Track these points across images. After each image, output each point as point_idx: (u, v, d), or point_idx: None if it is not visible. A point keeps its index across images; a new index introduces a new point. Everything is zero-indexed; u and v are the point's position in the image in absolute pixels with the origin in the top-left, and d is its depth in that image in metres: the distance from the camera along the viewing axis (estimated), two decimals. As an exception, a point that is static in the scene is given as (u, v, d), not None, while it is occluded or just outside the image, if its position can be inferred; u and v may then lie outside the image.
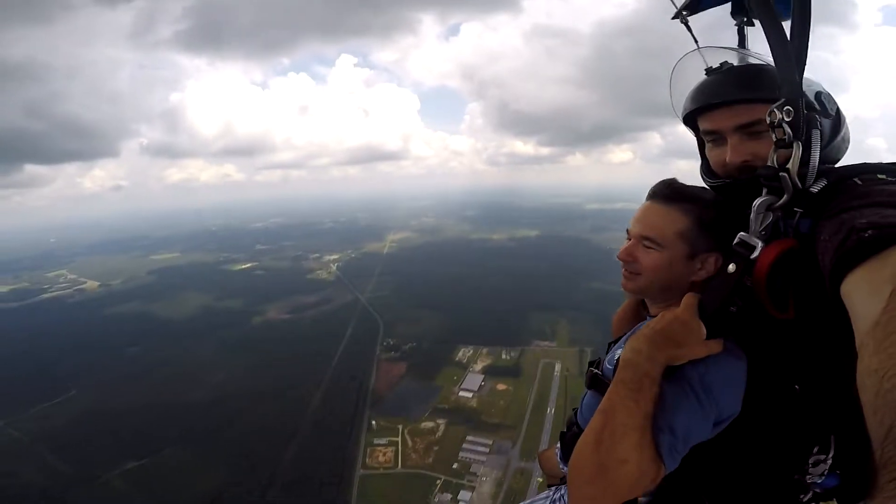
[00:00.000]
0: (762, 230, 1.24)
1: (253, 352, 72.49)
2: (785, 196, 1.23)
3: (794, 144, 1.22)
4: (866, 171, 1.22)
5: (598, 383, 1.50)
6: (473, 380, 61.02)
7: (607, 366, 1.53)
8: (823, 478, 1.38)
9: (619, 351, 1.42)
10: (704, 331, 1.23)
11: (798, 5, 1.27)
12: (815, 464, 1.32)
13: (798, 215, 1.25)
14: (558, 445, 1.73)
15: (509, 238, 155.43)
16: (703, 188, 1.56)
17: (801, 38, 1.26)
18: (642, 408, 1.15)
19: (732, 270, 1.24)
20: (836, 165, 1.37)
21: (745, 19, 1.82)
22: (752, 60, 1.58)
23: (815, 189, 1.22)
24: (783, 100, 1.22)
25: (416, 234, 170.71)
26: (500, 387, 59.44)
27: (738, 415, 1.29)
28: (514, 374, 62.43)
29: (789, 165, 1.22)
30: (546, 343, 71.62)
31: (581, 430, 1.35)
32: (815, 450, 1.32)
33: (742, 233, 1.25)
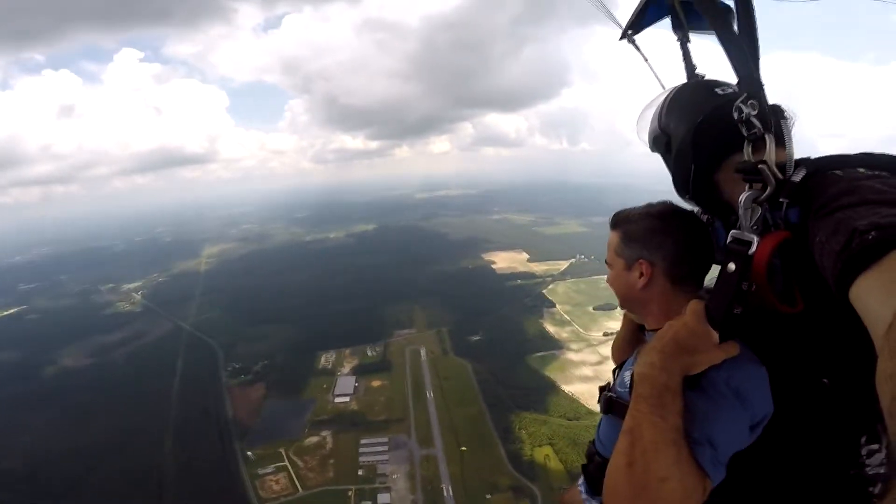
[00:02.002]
0: (753, 225, 1.24)
1: (59, 406, 57.61)
2: (768, 188, 1.23)
3: (766, 136, 1.25)
4: (844, 163, 1.21)
5: (615, 407, 1.46)
6: (346, 383, 58.28)
7: (619, 389, 1.53)
8: (884, 467, 1.31)
9: (627, 373, 1.42)
10: (716, 335, 1.22)
11: (741, 5, 1.36)
12: (870, 454, 1.26)
13: (785, 206, 1.24)
14: (581, 480, 1.68)
15: (347, 235, 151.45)
16: (646, 208, 1.62)
17: (749, 35, 1.35)
18: (670, 422, 1.12)
19: (732, 269, 1.23)
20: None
21: (684, 34, 1.95)
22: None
23: (796, 178, 1.23)
24: (745, 94, 1.27)
25: (239, 243, 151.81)
26: (375, 383, 58.15)
27: (771, 416, 1.27)
28: (384, 368, 61.78)
29: (765, 157, 1.24)
30: (406, 331, 72.56)
31: (604, 459, 1.32)
32: (864, 440, 1.26)
33: (734, 230, 1.26)
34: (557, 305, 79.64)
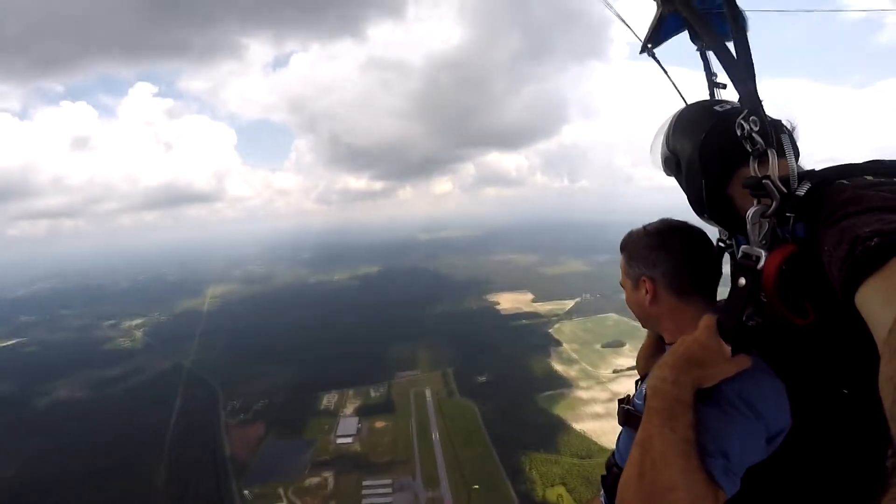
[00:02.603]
0: (762, 239, 1.27)
1: (51, 437, 56.37)
2: (774, 202, 1.25)
3: (769, 152, 1.29)
4: (850, 172, 1.23)
5: (631, 419, 1.51)
6: (348, 424, 56.65)
7: (637, 401, 1.58)
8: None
9: (646, 385, 1.44)
10: (728, 348, 1.24)
11: (733, 23, 1.42)
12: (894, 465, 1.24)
13: (792, 220, 1.25)
14: (601, 492, 1.74)
15: (351, 277, 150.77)
16: (643, 227, 1.72)
17: (743, 51, 1.40)
18: (680, 434, 1.15)
19: (743, 284, 1.25)
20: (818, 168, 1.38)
21: (704, 43, 1.96)
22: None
23: (800, 192, 1.24)
24: (746, 111, 1.32)
25: (243, 285, 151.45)
26: (379, 424, 56.52)
27: (790, 429, 1.29)
28: (387, 409, 60.29)
29: (769, 172, 1.27)
30: (410, 372, 71.06)
31: (621, 470, 1.34)
32: (891, 452, 1.21)
33: (744, 246, 1.29)
34: (565, 344, 78.38)
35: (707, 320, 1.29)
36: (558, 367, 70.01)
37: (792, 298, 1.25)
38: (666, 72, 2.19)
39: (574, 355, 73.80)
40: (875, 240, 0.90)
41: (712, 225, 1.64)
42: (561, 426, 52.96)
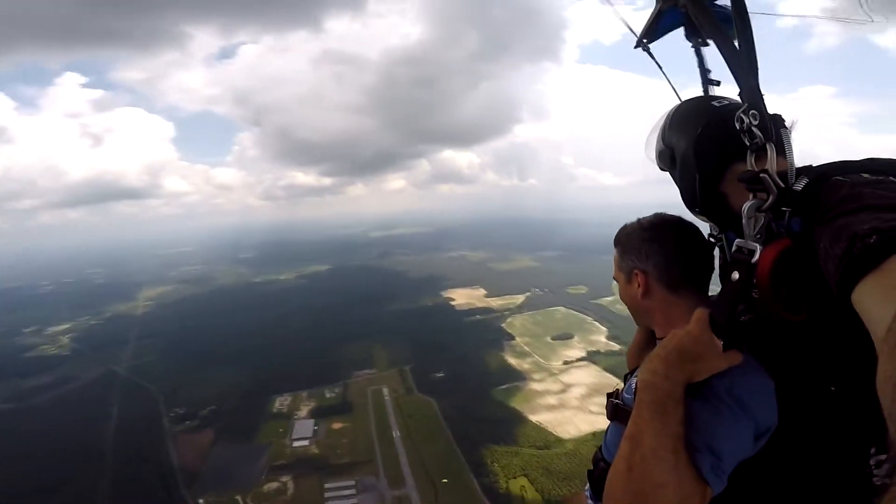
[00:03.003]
0: (757, 233, 1.26)
1: None
2: (770, 197, 1.25)
3: (767, 146, 1.29)
4: (846, 169, 1.24)
5: (620, 413, 1.50)
6: (304, 426, 55.27)
7: (626, 395, 1.56)
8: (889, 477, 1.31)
9: (634, 379, 1.45)
10: (720, 343, 1.23)
11: (738, 18, 1.44)
12: (878, 465, 1.26)
13: (788, 215, 1.25)
14: (587, 486, 1.72)
15: (299, 276, 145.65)
16: (637, 221, 1.74)
17: (747, 46, 1.42)
18: (670, 429, 1.14)
19: (736, 278, 1.25)
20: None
21: (700, 40, 2.02)
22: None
23: (798, 187, 1.25)
24: (746, 105, 1.32)
25: (180, 285, 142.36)
26: (336, 426, 55.56)
27: (777, 426, 1.28)
28: (345, 410, 59.42)
29: (767, 166, 1.27)
30: (366, 371, 70.35)
31: (608, 464, 1.33)
32: (873, 450, 1.25)
33: (738, 240, 1.29)
34: (517, 338, 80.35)
35: (699, 314, 1.29)
36: (512, 360, 71.71)
37: (785, 294, 1.24)
38: (660, 66, 2.22)
39: (526, 348, 75.83)
40: (873, 238, 0.90)
41: (703, 220, 1.67)
42: (518, 419, 54.25)
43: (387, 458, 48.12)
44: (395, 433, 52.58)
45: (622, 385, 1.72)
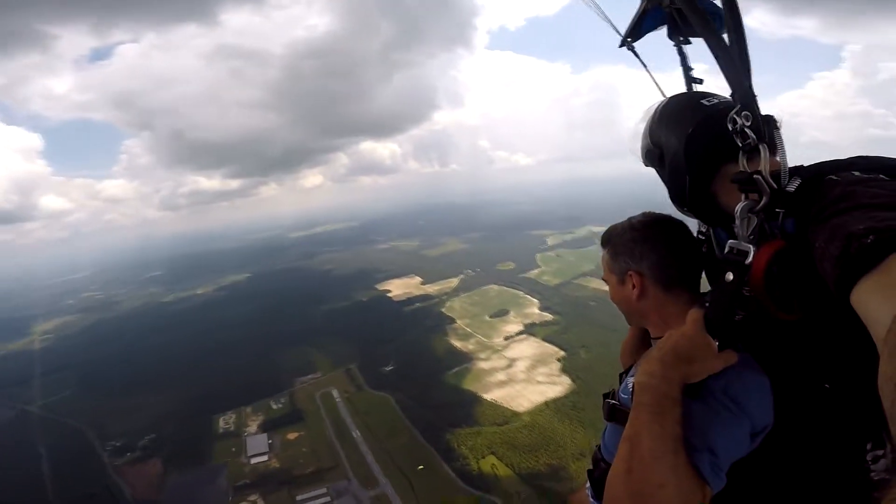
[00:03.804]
0: (750, 234, 1.27)
1: None
2: (764, 198, 1.26)
3: (760, 147, 1.29)
4: (838, 167, 1.25)
5: (617, 414, 1.52)
6: (257, 442, 53.65)
7: (622, 395, 1.58)
8: (889, 473, 1.34)
9: (631, 379, 1.49)
10: (715, 344, 1.24)
11: (730, 17, 1.43)
12: (875, 460, 1.28)
13: (781, 215, 1.26)
14: (588, 485, 1.74)
15: (217, 288, 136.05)
16: (627, 221, 1.71)
17: (739, 46, 1.40)
18: (668, 430, 1.14)
19: (730, 279, 1.25)
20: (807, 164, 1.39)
21: (682, 38, 2.04)
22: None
23: (791, 188, 1.25)
24: (739, 106, 1.32)
25: (81, 315, 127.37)
26: (291, 436, 54.46)
27: (773, 424, 1.30)
28: (296, 418, 58.23)
29: (760, 167, 1.27)
30: (310, 376, 68.99)
31: (608, 465, 1.38)
32: (870, 446, 1.27)
33: (731, 240, 1.29)
34: (458, 321, 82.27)
35: (694, 314, 1.30)
36: (457, 343, 73.60)
37: (779, 294, 1.25)
38: (645, 65, 2.24)
39: (468, 329, 78.02)
40: (870, 237, 0.90)
41: (691, 218, 1.68)
42: (474, 399, 56.24)
43: (353, 460, 48.12)
44: (356, 433, 52.51)
45: (618, 384, 1.72)
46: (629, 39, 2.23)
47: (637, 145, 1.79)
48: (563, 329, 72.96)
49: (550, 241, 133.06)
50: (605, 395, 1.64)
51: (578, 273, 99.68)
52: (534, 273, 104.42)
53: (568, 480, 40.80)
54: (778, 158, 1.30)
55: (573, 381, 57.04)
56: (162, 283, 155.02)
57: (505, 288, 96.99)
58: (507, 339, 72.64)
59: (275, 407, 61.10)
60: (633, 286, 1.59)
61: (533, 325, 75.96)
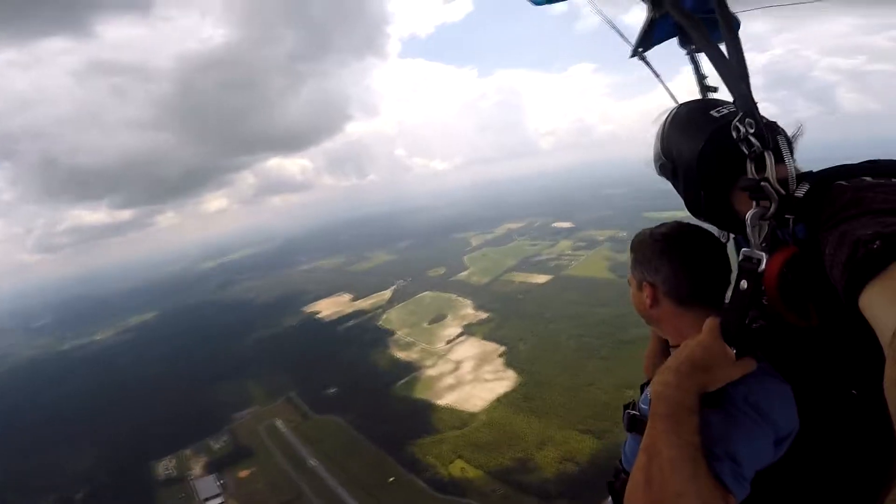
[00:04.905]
0: (762, 242, 1.28)
1: None
2: (773, 205, 1.26)
3: (766, 154, 1.28)
4: (849, 172, 1.24)
5: (637, 424, 1.51)
6: (207, 484, 50.43)
7: (642, 405, 1.57)
8: None
9: (649, 389, 1.47)
10: (732, 352, 1.23)
11: (725, 26, 1.47)
12: None
13: (792, 221, 1.25)
14: (609, 499, 1.72)
15: (120, 332, 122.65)
16: (652, 230, 1.69)
17: (736, 54, 1.44)
18: (686, 439, 1.14)
19: (745, 287, 1.26)
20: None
21: (693, 47, 2.06)
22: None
23: (799, 194, 1.24)
24: (741, 114, 1.33)
25: None
26: (243, 474, 51.67)
27: (799, 431, 1.29)
28: (244, 455, 55.28)
29: (767, 174, 1.27)
30: (248, 410, 65.91)
31: (628, 476, 1.34)
32: None
33: (745, 249, 1.30)
34: (397, 332, 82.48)
35: (710, 323, 1.29)
36: (400, 354, 73.72)
37: (794, 300, 1.24)
38: (657, 75, 2.22)
39: (409, 339, 78.55)
40: (877, 242, 0.90)
41: (708, 224, 1.66)
42: (428, 407, 56.62)
43: (316, 488, 46.60)
44: (312, 462, 50.77)
45: (639, 395, 1.70)
46: (640, 49, 2.26)
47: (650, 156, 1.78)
48: (499, 325, 75.89)
49: (474, 242, 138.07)
50: (626, 406, 1.63)
51: (504, 269, 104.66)
52: (463, 275, 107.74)
53: (537, 471, 42.35)
54: (785, 165, 1.30)
55: (518, 373, 59.54)
56: (52, 333, 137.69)
57: (438, 293, 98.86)
58: (448, 342, 74.03)
59: (216, 446, 57.61)
60: (647, 296, 1.61)
61: (471, 325, 78.20)
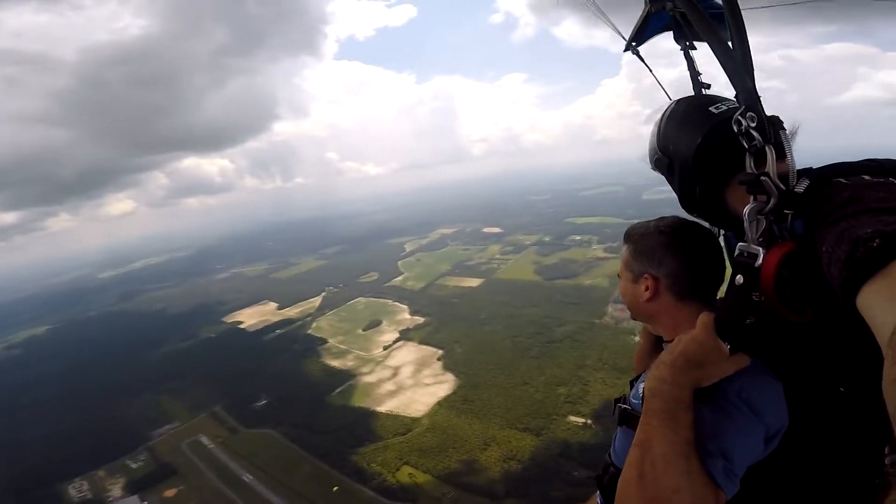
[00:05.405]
0: (759, 237, 1.26)
1: None
2: (772, 199, 1.25)
3: (767, 148, 1.27)
4: (848, 170, 1.24)
5: (628, 419, 1.52)
6: (128, 506, 46.14)
7: (633, 400, 1.58)
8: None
9: (642, 384, 1.49)
10: (726, 347, 1.23)
11: (732, 20, 1.44)
12: (893, 463, 1.26)
13: (790, 217, 1.25)
14: (598, 493, 1.73)
15: (6, 346, 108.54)
16: (655, 223, 1.68)
17: (742, 48, 1.42)
18: (680, 435, 1.14)
19: (740, 282, 1.25)
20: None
21: (688, 43, 2.08)
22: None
23: (799, 189, 1.24)
24: (744, 107, 1.32)
25: None
26: (169, 493, 47.80)
27: (788, 428, 1.29)
28: (167, 473, 51.14)
29: (767, 169, 1.26)
30: (168, 427, 60.96)
31: (618, 470, 1.36)
32: (887, 450, 1.27)
33: (741, 243, 1.29)
34: (329, 340, 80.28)
35: (705, 318, 1.29)
36: (334, 362, 71.75)
37: (790, 296, 1.25)
38: (650, 69, 2.25)
39: (343, 346, 76.62)
40: (876, 241, 0.90)
41: (700, 220, 1.65)
42: (368, 415, 55.53)
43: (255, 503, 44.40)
44: (247, 477, 48.05)
45: (628, 389, 1.71)
46: (633, 43, 2.24)
47: (646, 152, 1.77)
48: (436, 329, 76.41)
49: (409, 247, 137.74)
50: (617, 400, 1.64)
51: (438, 274, 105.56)
52: (398, 280, 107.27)
53: (483, 471, 43.13)
54: (786, 160, 1.29)
55: (457, 376, 60.38)
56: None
57: (373, 299, 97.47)
58: (385, 348, 73.37)
59: (134, 466, 52.92)
60: (647, 288, 1.60)
61: (407, 330, 78.01)
